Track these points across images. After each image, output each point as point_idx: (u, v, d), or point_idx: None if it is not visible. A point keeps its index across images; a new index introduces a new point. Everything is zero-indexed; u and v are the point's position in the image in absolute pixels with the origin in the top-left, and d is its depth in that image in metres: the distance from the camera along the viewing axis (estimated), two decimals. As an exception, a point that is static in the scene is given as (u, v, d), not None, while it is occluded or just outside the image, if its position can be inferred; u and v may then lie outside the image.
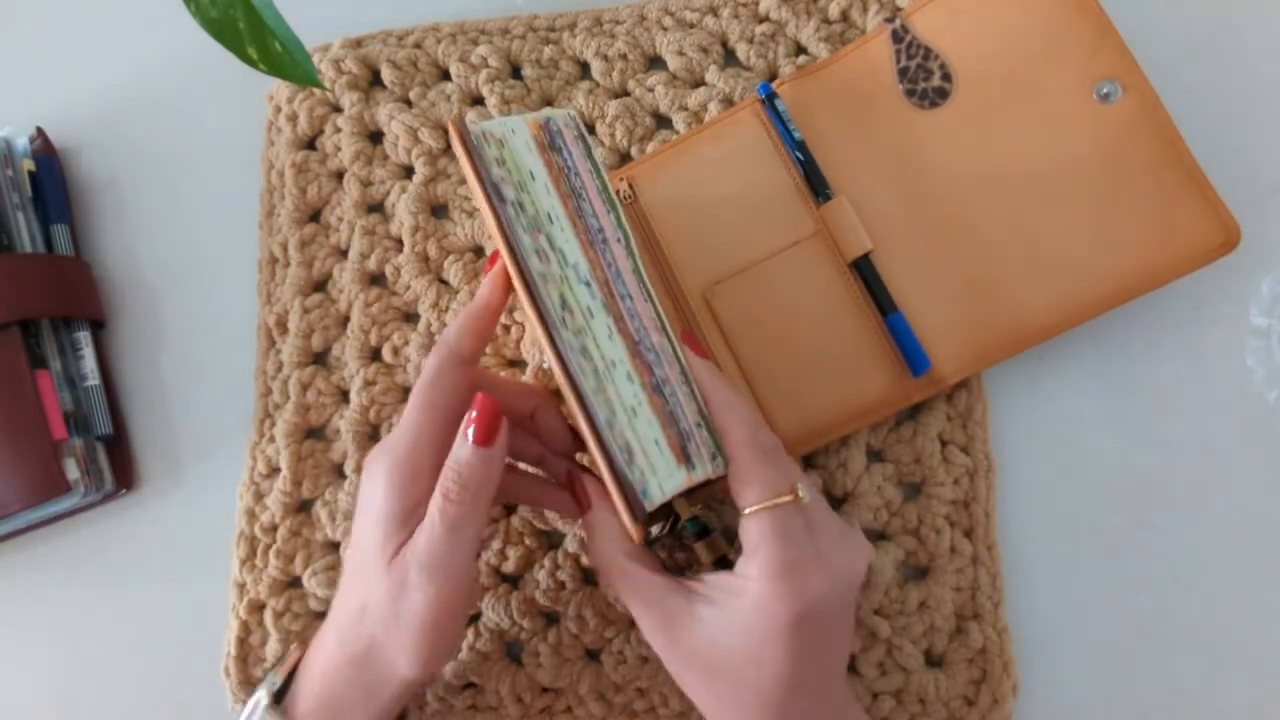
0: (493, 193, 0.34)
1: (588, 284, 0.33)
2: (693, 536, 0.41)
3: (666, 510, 0.42)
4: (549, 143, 0.35)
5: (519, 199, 0.34)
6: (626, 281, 0.34)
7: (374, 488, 0.36)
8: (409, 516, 0.35)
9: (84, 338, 0.49)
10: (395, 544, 0.35)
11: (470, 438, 0.34)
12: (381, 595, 0.35)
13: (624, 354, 0.33)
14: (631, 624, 0.44)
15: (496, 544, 0.44)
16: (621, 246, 0.34)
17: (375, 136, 0.51)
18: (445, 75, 0.51)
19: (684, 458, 0.32)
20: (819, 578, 0.33)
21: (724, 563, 0.41)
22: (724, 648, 0.33)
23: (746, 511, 0.33)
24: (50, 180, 0.51)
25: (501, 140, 0.34)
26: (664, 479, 0.32)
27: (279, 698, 0.38)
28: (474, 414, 0.35)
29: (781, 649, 0.32)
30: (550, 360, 0.33)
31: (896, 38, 0.45)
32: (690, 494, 0.41)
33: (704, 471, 0.33)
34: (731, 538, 0.44)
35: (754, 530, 0.33)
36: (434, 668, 0.36)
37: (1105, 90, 0.43)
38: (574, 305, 0.33)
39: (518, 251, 0.33)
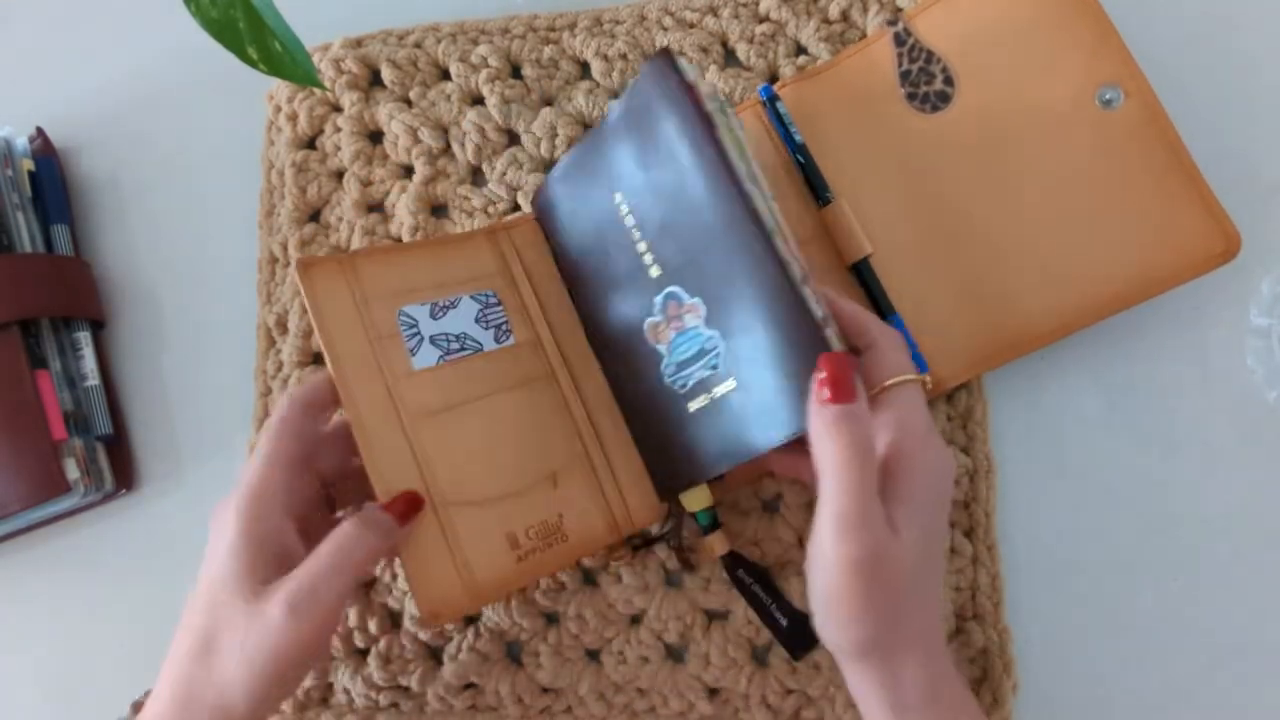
0: (720, 146, 0.36)
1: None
2: (703, 530, 0.41)
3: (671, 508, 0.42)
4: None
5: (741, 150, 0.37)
6: (784, 229, 0.36)
7: (224, 525, 0.36)
8: (260, 552, 0.35)
9: (84, 338, 0.49)
10: (252, 580, 0.35)
11: (391, 513, 0.36)
12: (233, 629, 0.34)
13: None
14: (631, 624, 0.44)
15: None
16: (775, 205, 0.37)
17: (375, 136, 0.51)
18: (445, 75, 0.51)
19: None
20: (947, 453, 0.35)
21: (734, 556, 0.41)
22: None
23: (889, 382, 0.34)
24: (50, 180, 0.51)
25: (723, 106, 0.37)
26: None
27: None
28: (396, 499, 0.37)
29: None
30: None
31: (899, 41, 0.45)
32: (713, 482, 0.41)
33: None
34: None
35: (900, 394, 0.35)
36: (267, 714, 0.35)
37: (1107, 96, 0.42)
38: (770, 223, 0.36)
39: (743, 181, 0.36)
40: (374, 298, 0.42)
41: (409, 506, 0.37)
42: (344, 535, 0.35)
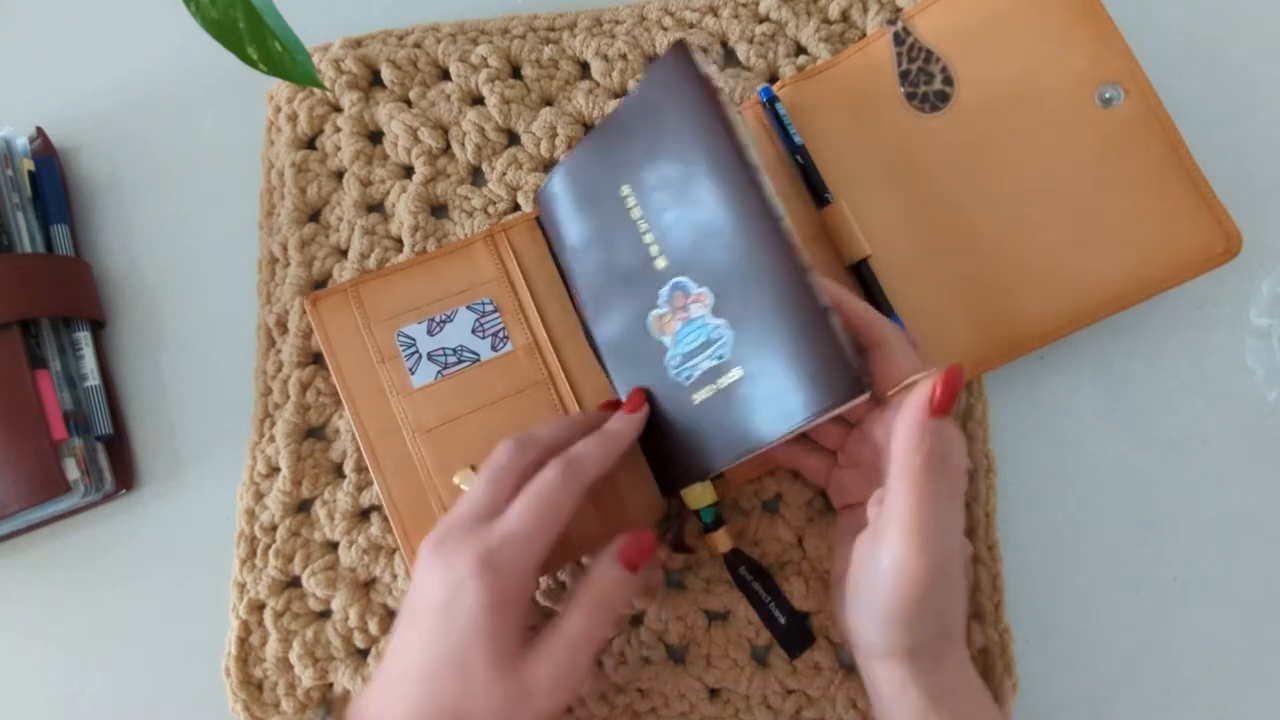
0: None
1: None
2: (707, 527, 0.41)
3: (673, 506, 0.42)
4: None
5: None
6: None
7: (487, 612, 0.33)
8: (516, 618, 0.34)
9: (84, 338, 0.49)
10: (511, 646, 0.33)
11: (620, 560, 0.35)
12: (493, 703, 0.32)
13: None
14: (632, 624, 0.44)
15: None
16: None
17: (375, 136, 0.51)
18: (445, 75, 0.51)
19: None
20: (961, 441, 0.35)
21: (737, 554, 0.41)
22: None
23: (893, 391, 0.36)
24: (50, 180, 0.51)
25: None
26: None
27: None
28: (631, 541, 0.36)
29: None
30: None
31: (898, 40, 0.45)
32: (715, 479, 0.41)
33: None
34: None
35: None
36: None
37: (1107, 95, 0.42)
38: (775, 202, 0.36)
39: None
40: (376, 322, 0.44)
41: (642, 550, 0.36)
42: (596, 592, 0.35)
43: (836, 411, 0.34)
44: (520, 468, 0.37)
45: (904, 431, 0.32)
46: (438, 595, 0.34)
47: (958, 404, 0.44)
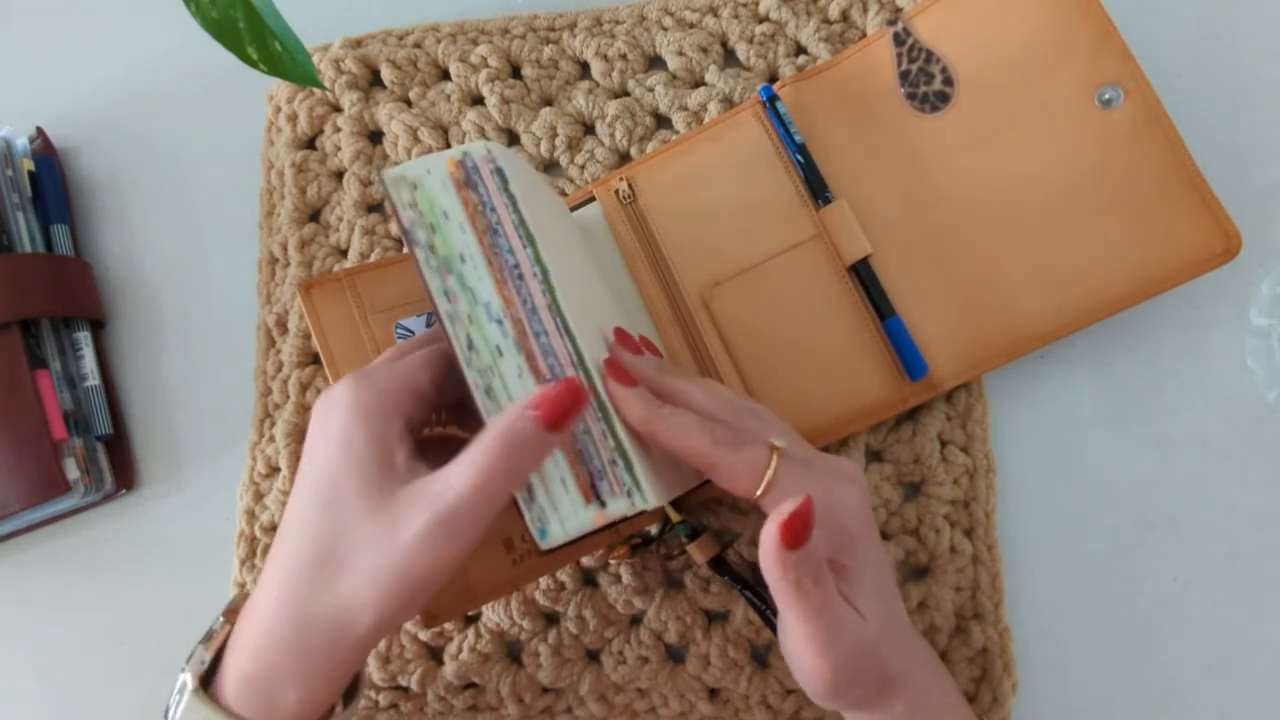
0: (405, 236, 0.34)
1: (499, 322, 0.33)
2: (686, 539, 0.41)
3: (658, 514, 0.42)
4: (464, 179, 0.34)
5: (430, 241, 0.33)
6: (541, 318, 0.33)
7: (354, 419, 0.32)
8: (389, 457, 0.32)
9: (84, 338, 0.49)
10: (384, 482, 0.31)
11: (538, 416, 0.30)
12: (361, 542, 0.30)
13: (533, 392, 0.32)
14: (631, 624, 0.44)
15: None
16: (538, 281, 0.33)
17: (375, 136, 0.51)
18: (445, 75, 0.51)
19: (593, 496, 0.32)
20: (850, 491, 0.34)
21: (719, 562, 0.41)
22: None
23: (757, 497, 0.33)
24: (50, 180, 0.51)
25: (415, 183, 0.34)
26: (566, 518, 0.32)
27: (206, 681, 0.33)
28: (550, 392, 0.30)
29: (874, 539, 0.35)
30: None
31: (898, 41, 0.45)
32: (676, 502, 0.41)
33: (620, 509, 0.32)
34: (721, 536, 0.44)
35: (773, 506, 0.33)
36: (390, 630, 0.32)
37: (1107, 96, 0.42)
38: (480, 345, 0.33)
39: (430, 292, 0.33)
40: (373, 312, 0.43)
41: (571, 402, 0.30)
42: (496, 445, 0.30)
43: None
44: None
45: (766, 567, 0.32)
46: (314, 428, 0.33)
47: (957, 404, 0.44)
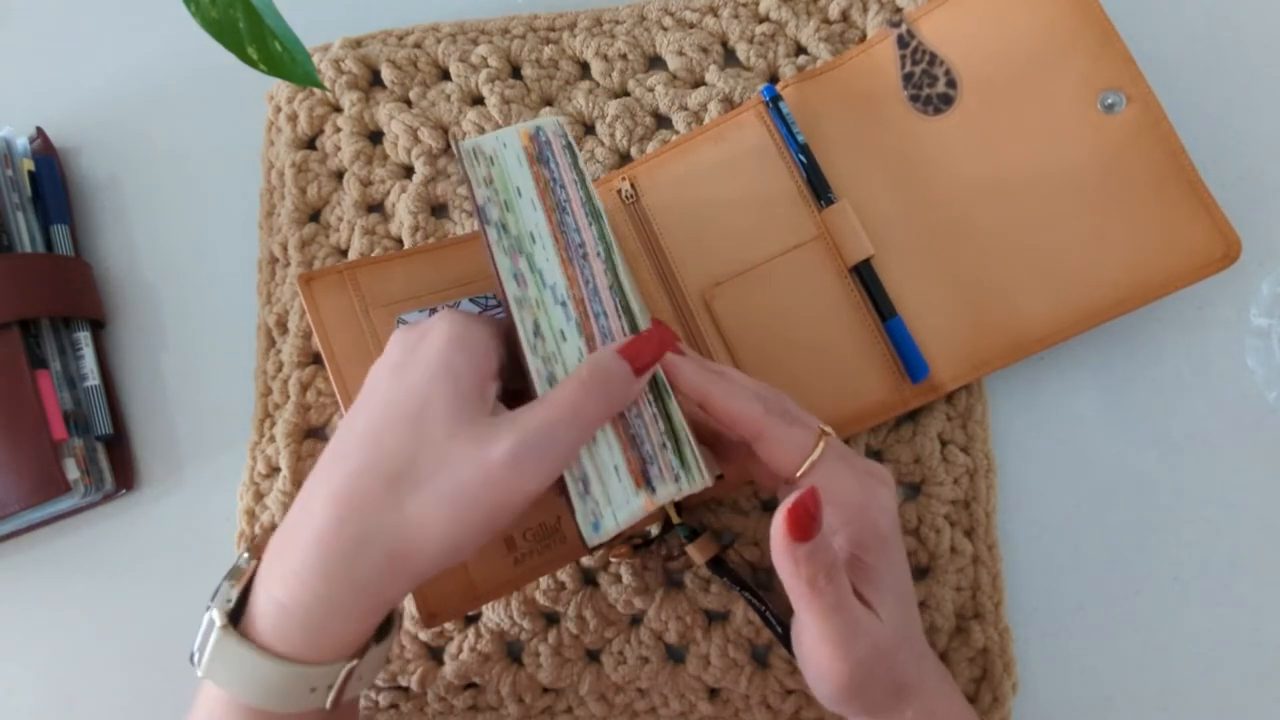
0: (479, 214, 0.34)
1: (564, 304, 0.33)
2: (686, 539, 0.41)
3: (658, 514, 0.42)
4: (538, 154, 0.34)
5: (503, 220, 0.33)
6: (602, 298, 0.33)
7: (454, 346, 0.31)
8: (484, 388, 0.31)
9: (84, 338, 0.49)
10: (475, 410, 0.30)
11: (625, 358, 0.31)
12: (445, 453, 0.29)
13: None
14: (631, 624, 0.44)
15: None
16: (601, 261, 0.33)
17: (375, 136, 0.51)
18: (445, 75, 0.51)
19: (644, 481, 0.31)
20: (885, 492, 0.34)
21: (717, 563, 0.41)
22: None
23: (795, 477, 0.33)
24: (50, 180, 0.51)
25: (491, 157, 0.34)
26: (619, 507, 0.31)
27: (234, 619, 0.31)
28: (640, 336, 0.31)
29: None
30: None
31: (902, 43, 0.45)
32: (677, 504, 0.41)
33: (667, 494, 0.32)
34: (720, 537, 0.44)
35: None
36: (448, 562, 0.30)
37: (1109, 100, 0.42)
38: (546, 331, 0.32)
39: (499, 276, 0.33)
40: (375, 306, 0.42)
41: (657, 346, 0.31)
42: (588, 376, 0.30)
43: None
44: None
45: (777, 559, 0.31)
46: (394, 356, 0.32)
47: (957, 404, 0.44)
